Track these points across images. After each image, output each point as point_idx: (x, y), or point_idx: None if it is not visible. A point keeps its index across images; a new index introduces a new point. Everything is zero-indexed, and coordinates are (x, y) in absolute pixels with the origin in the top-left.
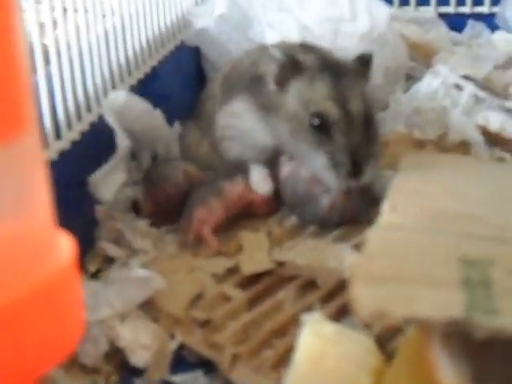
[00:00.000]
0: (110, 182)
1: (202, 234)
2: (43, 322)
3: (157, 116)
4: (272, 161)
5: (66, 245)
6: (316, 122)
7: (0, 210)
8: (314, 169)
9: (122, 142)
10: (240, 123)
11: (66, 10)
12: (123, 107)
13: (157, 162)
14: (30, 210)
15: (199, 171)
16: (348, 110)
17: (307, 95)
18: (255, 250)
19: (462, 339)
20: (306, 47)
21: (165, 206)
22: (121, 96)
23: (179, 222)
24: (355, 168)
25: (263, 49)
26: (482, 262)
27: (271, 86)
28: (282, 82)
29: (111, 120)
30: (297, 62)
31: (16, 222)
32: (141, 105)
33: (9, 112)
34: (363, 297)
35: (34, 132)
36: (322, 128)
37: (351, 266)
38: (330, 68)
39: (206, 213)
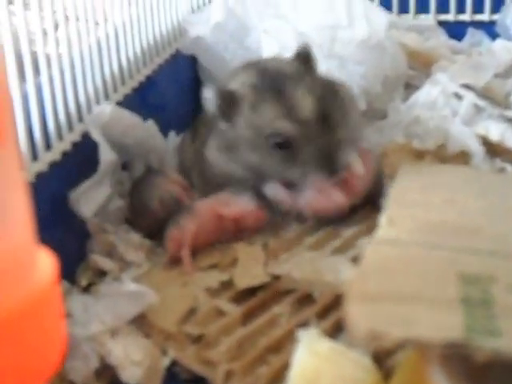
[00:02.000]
0: (90, 198)
1: (178, 255)
2: (23, 341)
3: (147, 127)
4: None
5: (46, 262)
6: (275, 141)
7: None
8: (296, 184)
9: (106, 157)
10: (217, 167)
11: (57, 19)
12: (109, 121)
13: (140, 179)
14: (7, 227)
15: (186, 188)
16: (302, 118)
17: (255, 121)
18: (250, 263)
19: (461, 361)
20: (247, 67)
21: (152, 222)
22: (106, 110)
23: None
24: (331, 165)
25: None
26: (481, 279)
27: (222, 125)
28: (228, 116)
29: (96, 134)
30: (231, 94)
31: None
32: (128, 117)
33: None
34: (358, 316)
35: (11, 147)
36: (283, 145)
37: (347, 282)
38: (268, 83)
39: (179, 233)
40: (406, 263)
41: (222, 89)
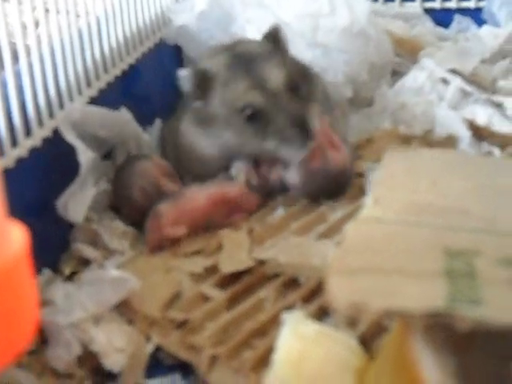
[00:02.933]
0: (77, 203)
1: (159, 245)
2: None
3: (121, 117)
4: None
5: (17, 236)
6: (247, 113)
7: None
8: (272, 154)
9: (85, 157)
10: (190, 142)
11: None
12: (81, 119)
13: (122, 167)
14: None
15: (169, 174)
16: (271, 89)
17: (228, 96)
18: (235, 249)
19: (444, 333)
20: (219, 48)
21: (134, 211)
22: (76, 109)
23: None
24: (304, 132)
25: None
26: (466, 253)
27: (196, 102)
28: (203, 94)
29: (70, 136)
30: (204, 72)
31: None
32: (99, 112)
33: None
34: (339, 289)
35: None
36: (255, 117)
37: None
38: (240, 61)
39: (157, 223)
40: (389, 239)
41: (195, 67)
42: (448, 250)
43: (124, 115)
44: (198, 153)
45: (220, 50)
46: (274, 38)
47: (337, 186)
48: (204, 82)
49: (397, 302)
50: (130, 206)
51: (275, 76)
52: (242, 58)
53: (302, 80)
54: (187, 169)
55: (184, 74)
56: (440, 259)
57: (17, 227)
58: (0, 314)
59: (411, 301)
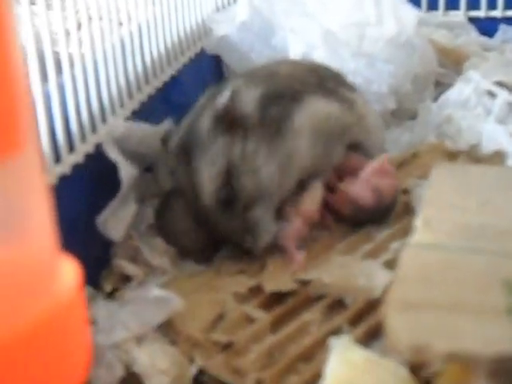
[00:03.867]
0: (118, 220)
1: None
2: (48, 353)
3: (162, 132)
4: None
5: (69, 270)
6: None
7: None
8: None
9: (127, 174)
10: None
11: (80, 19)
12: (123, 135)
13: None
14: (27, 235)
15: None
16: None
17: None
18: (279, 270)
19: (509, 376)
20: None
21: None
22: (119, 125)
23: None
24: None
25: None
26: None
27: None
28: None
29: (112, 152)
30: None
31: (12, 248)
32: (141, 129)
33: (4, 130)
34: (398, 327)
35: (31, 151)
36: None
37: (383, 287)
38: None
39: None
40: (445, 269)
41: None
42: (508, 281)
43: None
44: None
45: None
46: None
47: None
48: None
49: (461, 344)
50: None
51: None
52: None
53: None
54: None
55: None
56: (500, 293)
57: (68, 262)
58: (53, 356)
59: (475, 343)
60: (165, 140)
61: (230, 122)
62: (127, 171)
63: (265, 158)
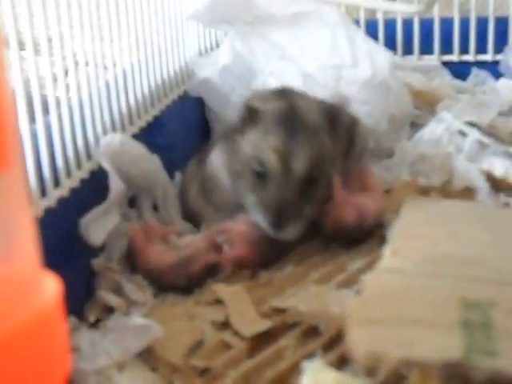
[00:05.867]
0: (100, 226)
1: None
2: (27, 363)
3: (153, 161)
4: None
5: (51, 286)
6: (256, 167)
7: None
8: (248, 208)
9: (116, 185)
10: (216, 172)
11: (66, 63)
12: (118, 150)
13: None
14: (13, 251)
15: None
16: (289, 167)
17: (258, 143)
18: (239, 306)
19: (461, 383)
20: (283, 94)
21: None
22: (116, 138)
23: None
24: (277, 220)
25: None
26: (482, 304)
27: (235, 134)
28: (242, 129)
29: (105, 162)
30: (254, 111)
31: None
32: (136, 148)
33: None
34: (359, 339)
35: (17, 172)
36: (260, 175)
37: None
38: (289, 121)
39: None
40: (407, 290)
41: (248, 103)
42: (465, 301)
43: (156, 161)
44: (222, 180)
45: (277, 95)
46: (332, 118)
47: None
48: (250, 118)
49: (415, 352)
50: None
51: (303, 161)
52: (294, 121)
53: (317, 181)
54: (211, 200)
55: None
56: (457, 310)
57: (50, 278)
58: (33, 364)
59: (429, 351)
60: None
61: None
62: (116, 183)
63: None
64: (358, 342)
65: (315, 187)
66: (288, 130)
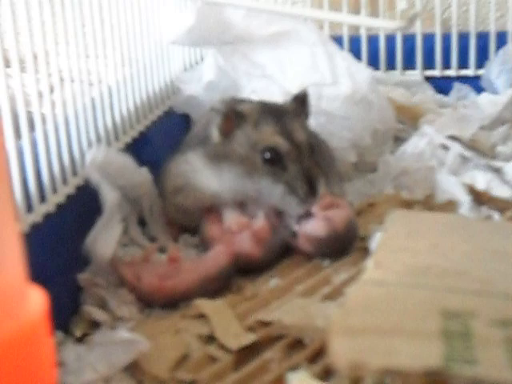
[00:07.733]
0: (106, 239)
1: None
2: (12, 378)
3: (140, 172)
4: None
5: (37, 301)
6: (268, 155)
7: None
8: (273, 200)
9: (109, 194)
10: (190, 169)
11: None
12: (104, 162)
13: None
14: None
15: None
16: (294, 141)
17: (254, 137)
18: (223, 321)
19: None
20: (244, 100)
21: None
22: (101, 151)
23: None
24: (311, 189)
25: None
26: (462, 315)
27: (217, 137)
28: (227, 132)
29: (95, 175)
30: (239, 112)
31: None
32: (122, 159)
33: None
34: (341, 349)
35: (3, 188)
36: (274, 160)
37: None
38: (270, 111)
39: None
40: (389, 301)
41: (227, 106)
42: (445, 312)
43: (143, 172)
44: (201, 185)
45: (250, 101)
46: (302, 100)
47: (343, 244)
48: (234, 120)
49: (395, 361)
50: None
51: (300, 132)
52: (273, 109)
53: (316, 146)
54: (180, 203)
55: (215, 109)
56: (437, 320)
57: (36, 291)
58: (19, 378)
59: (409, 360)
60: None
61: None
62: (109, 193)
63: None
64: (340, 351)
65: (318, 151)
66: (274, 116)
